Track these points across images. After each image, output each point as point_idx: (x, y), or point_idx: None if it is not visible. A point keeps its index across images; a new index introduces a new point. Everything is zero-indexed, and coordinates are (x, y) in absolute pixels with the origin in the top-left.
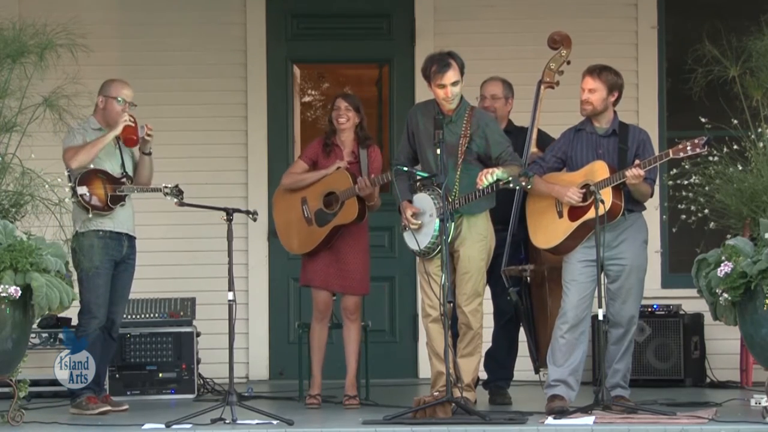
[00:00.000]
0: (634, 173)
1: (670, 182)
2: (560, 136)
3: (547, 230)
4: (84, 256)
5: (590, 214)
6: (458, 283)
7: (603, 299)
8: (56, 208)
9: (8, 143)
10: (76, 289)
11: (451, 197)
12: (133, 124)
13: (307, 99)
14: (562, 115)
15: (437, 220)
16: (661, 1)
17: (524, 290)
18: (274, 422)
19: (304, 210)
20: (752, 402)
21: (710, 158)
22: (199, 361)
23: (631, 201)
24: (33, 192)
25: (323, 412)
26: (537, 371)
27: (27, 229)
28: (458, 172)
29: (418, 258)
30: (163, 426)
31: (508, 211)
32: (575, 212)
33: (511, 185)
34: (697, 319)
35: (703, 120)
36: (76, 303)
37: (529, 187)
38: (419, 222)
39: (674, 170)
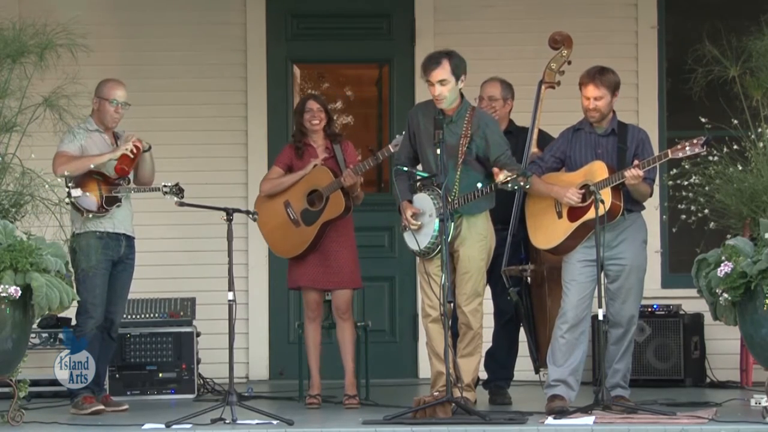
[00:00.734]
0: (632, 174)
1: (670, 182)
2: (559, 136)
3: (547, 231)
4: (81, 256)
5: (590, 214)
6: (458, 283)
7: (603, 299)
8: (56, 208)
9: (8, 143)
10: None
11: (451, 197)
12: (132, 156)
13: None
14: (562, 115)
15: (437, 220)
16: (661, 1)
17: (524, 290)
18: (274, 422)
19: (289, 212)
20: (752, 402)
21: (710, 158)
22: (199, 361)
23: (630, 201)
24: (33, 192)
25: (323, 412)
26: (537, 371)
27: (27, 229)
28: (458, 173)
29: (418, 258)
30: (163, 426)
31: (508, 211)
32: (574, 213)
33: (509, 186)
34: (697, 319)
35: (703, 120)
36: (76, 303)
37: (527, 186)
38: (419, 222)
39: (674, 170)
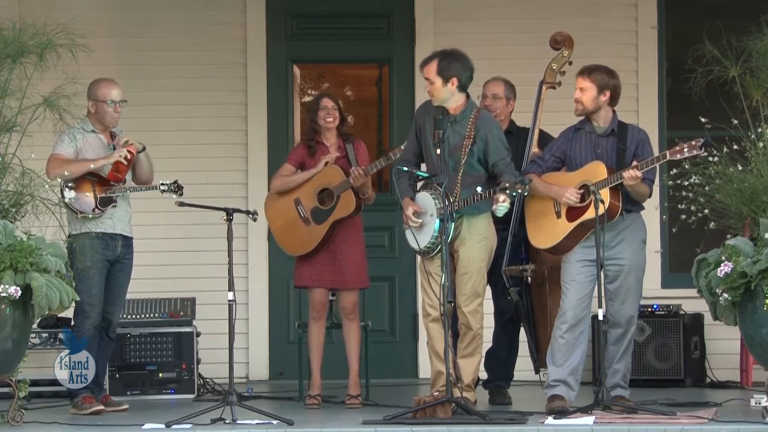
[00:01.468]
0: (631, 174)
1: (670, 182)
2: (559, 136)
3: (546, 230)
4: (78, 256)
5: (588, 214)
6: (458, 284)
7: (603, 299)
8: (56, 208)
9: (8, 143)
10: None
11: (452, 197)
12: (126, 163)
13: (307, 99)
14: (563, 115)
15: (437, 220)
16: (661, 1)
17: (525, 290)
18: (274, 422)
19: (300, 210)
20: (752, 402)
21: (710, 158)
22: (199, 361)
23: (629, 201)
24: (33, 192)
25: (323, 412)
26: (537, 371)
27: (27, 229)
28: (460, 173)
29: (419, 257)
30: (163, 426)
31: (508, 211)
32: (573, 213)
33: (507, 192)
34: (697, 319)
35: (703, 120)
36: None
37: (525, 194)
38: (420, 221)
39: (674, 170)
